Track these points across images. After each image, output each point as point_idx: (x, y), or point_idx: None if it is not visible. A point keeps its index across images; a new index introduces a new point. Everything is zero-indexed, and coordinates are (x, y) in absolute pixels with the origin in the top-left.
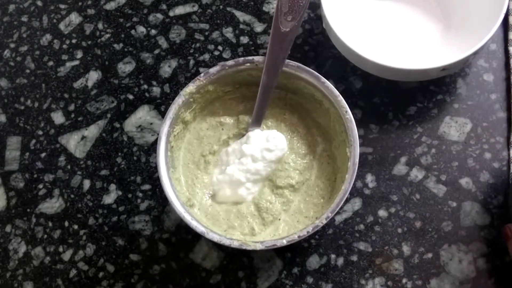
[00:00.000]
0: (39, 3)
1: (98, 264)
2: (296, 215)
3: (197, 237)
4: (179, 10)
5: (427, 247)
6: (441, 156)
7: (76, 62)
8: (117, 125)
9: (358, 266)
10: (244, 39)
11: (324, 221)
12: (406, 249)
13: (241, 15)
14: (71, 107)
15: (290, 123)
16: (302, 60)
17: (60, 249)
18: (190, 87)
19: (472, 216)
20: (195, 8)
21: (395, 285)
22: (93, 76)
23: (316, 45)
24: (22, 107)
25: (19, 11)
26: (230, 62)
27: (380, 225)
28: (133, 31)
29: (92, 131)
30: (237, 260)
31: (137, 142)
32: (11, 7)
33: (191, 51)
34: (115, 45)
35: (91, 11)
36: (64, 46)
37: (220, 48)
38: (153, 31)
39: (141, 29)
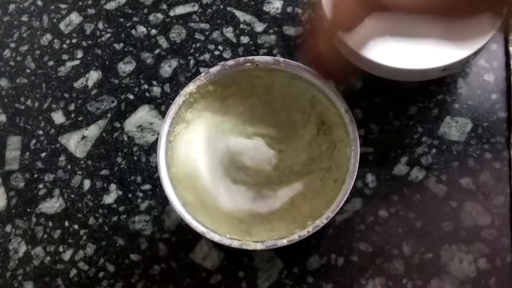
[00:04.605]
0: (39, 3)
1: (98, 264)
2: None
3: (197, 237)
4: (180, 10)
5: (427, 247)
6: (442, 156)
7: (77, 62)
8: (117, 125)
9: (359, 266)
10: (245, 39)
11: (325, 221)
12: (406, 249)
13: (241, 15)
14: (71, 107)
15: None
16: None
17: (60, 249)
18: (191, 87)
19: (472, 216)
20: (196, 8)
21: (395, 285)
22: (94, 76)
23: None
24: (22, 107)
25: (19, 11)
26: (231, 62)
27: (380, 225)
28: (133, 31)
29: (92, 131)
30: (238, 260)
31: (137, 142)
32: (11, 7)
33: (192, 51)
34: (116, 45)
35: (91, 11)
36: (65, 46)
37: (220, 48)
38: (154, 31)
39: (142, 28)
